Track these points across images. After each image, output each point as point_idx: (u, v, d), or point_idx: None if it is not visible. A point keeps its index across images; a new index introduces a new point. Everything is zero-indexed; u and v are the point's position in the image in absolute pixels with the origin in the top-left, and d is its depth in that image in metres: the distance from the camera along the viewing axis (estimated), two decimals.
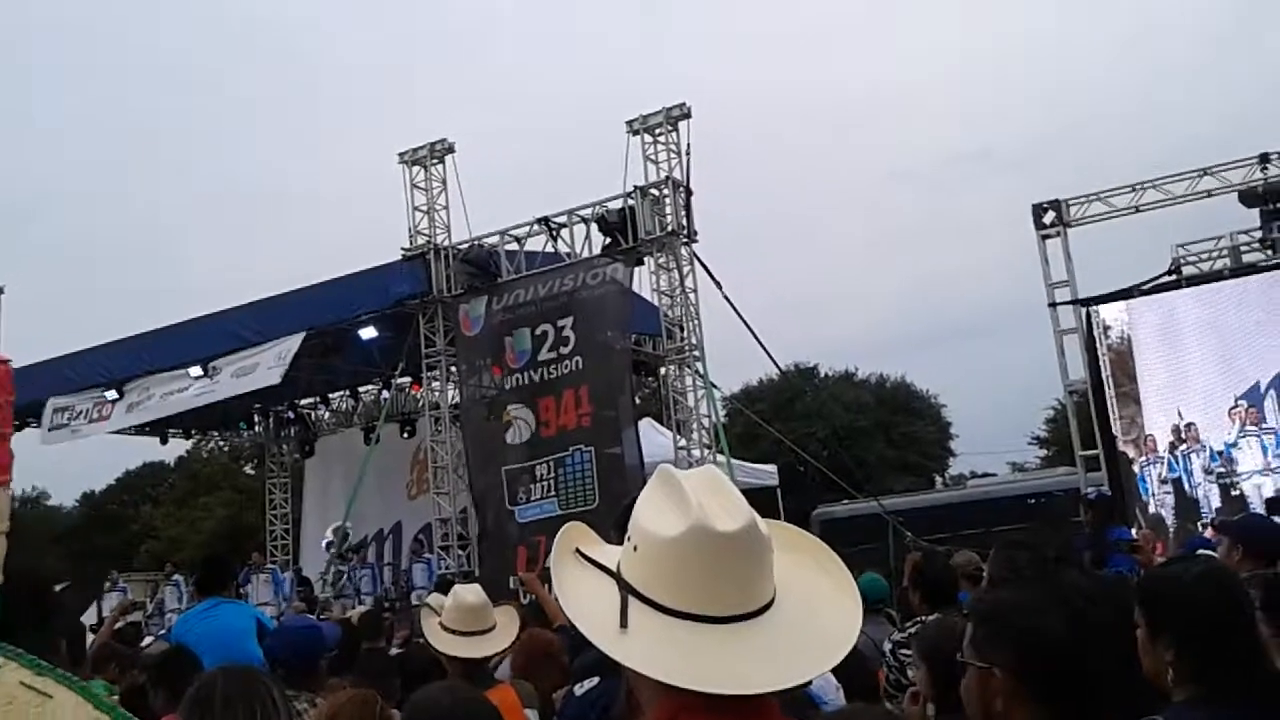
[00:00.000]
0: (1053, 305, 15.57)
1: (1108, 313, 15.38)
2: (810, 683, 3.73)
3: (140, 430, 19.58)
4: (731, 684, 1.32)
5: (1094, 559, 6.47)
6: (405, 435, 19.25)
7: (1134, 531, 10.23)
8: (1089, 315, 15.34)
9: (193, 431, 22.85)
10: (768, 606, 1.40)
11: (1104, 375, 15.13)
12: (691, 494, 1.40)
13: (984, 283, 70.78)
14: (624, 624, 1.37)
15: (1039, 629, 1.87)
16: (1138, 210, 15.62)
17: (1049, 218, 15.66)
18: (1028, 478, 27.85)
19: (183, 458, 40.25)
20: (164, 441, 21.24)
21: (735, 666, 1.33)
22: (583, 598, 1.44)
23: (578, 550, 1.51)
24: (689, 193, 14.12)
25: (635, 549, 1.42)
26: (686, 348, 14.33)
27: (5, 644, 0.77)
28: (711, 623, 1.36)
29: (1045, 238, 15.72)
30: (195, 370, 16.15)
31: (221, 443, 35.28)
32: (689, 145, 14.09)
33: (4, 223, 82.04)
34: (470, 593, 3.93)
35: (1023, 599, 1.97)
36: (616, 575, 1.43)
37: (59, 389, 17.49)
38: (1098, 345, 15.25)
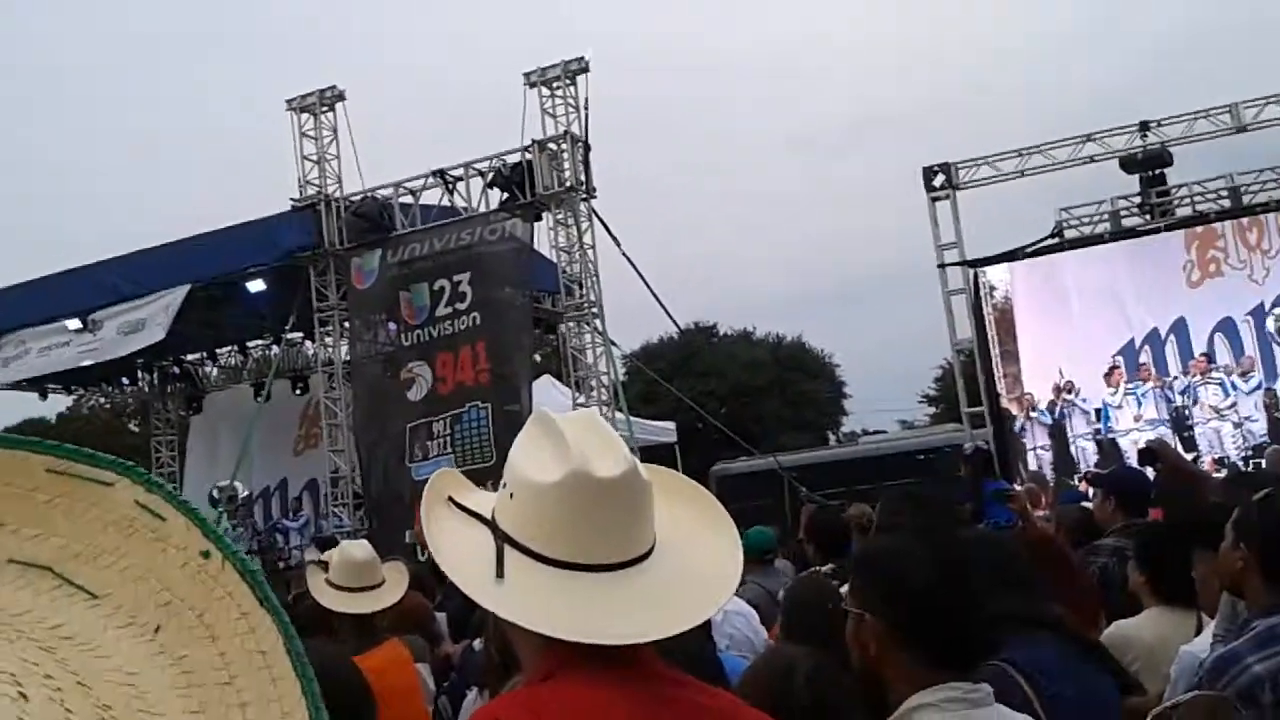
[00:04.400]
0: (941, 266, 15.94)
1: (993, 274, 15.83)
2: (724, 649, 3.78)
3: (17, 385, 18.75)
4: (610, 634, 1.30)
5: (973, 510, 6.68)
6: (297, 392, 18.79)
7: (1016, 486, 10.58)
8: (976, 276, 15.76)
9: (73, 387, 21.97)
10: (648, 554, 1.37)
11: (989, 335, 15.59)
12: (570, 438, 1.36)
13: (878, 245, 71.98)
14: (499, 574, 1.33)
15: (901, 572, 1.94)
16: (1023, 174, 16.05)
17: (939, 180, 15.99)
18: (917, 434, 28.58)
19: (64, 415, 38.75)
20: (44, 397, 20.31)
21: (613, 617, 1.31)
22: (456, 547, 1.40)
23: (450, 498, 1.47)
24: (587, 148, 13.99)
25: (511, 496, 1.38)
26: (585, 305, 14.25)
27: (116, 458, 0.72)
28: (590, 571, 1.33)
29: (935, 200, 16.05)
30: (73, 323, 15.50)
31: (103, 399, 34.03)
32: (587, 100, 13.96)
33: None
34: (357, 548, 3.86)
35: (888, 546, 2.03)
36: (491, 523, 1.39)
37: None
38: (983, 305, 15.69)
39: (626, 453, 1.39)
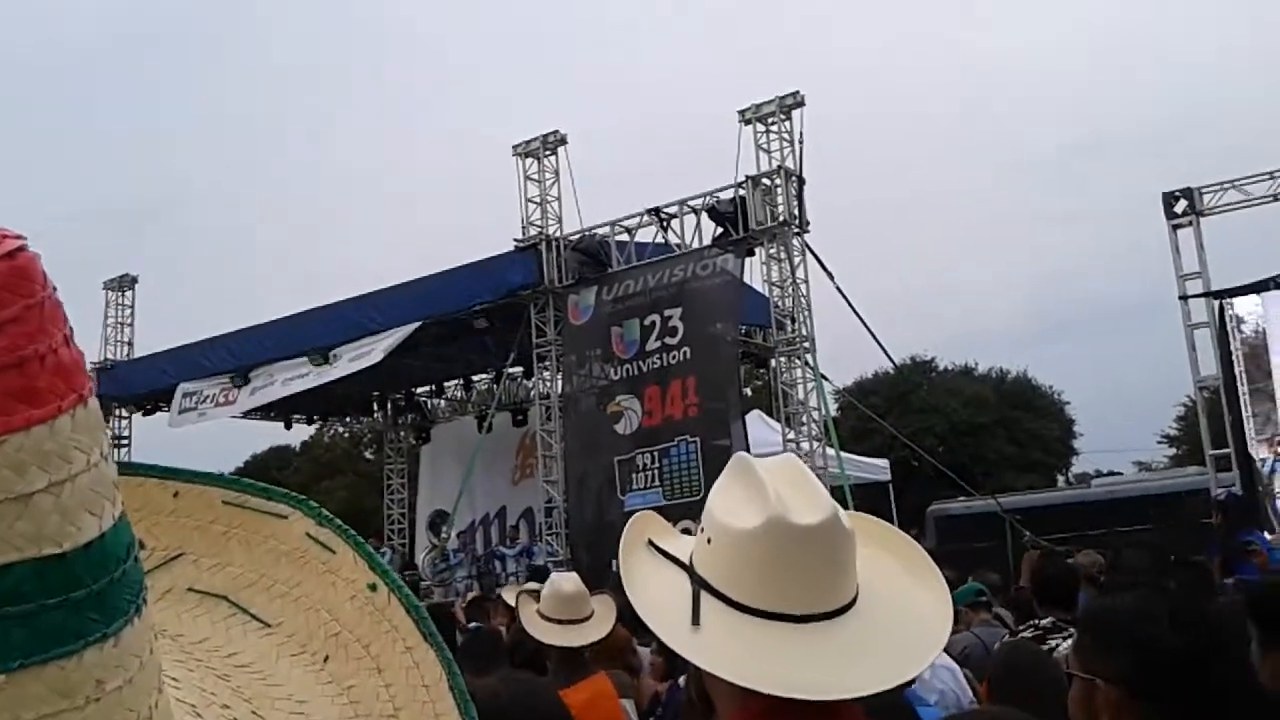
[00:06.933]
0: (1184, 298, 14.92)
1: (1242, 305, 14.71)
2: (911, 683, 3.63)
3: (265, 415, 20.23)
4: (811, 689, 1.24)
5: (1223, 564, 6.13)
6: (517, 424, 19.48)
7: (1267, 535, 9.71)
8: (1222, 308, 14.67)
9: (314, 417, 23.52)
10: (850, 605, 1.32)
11: (1237, 370, 14.49)
12: (769, 484, 1.33)
13: (1110, 275, 68.31)
14: (695, 621, 1.31)
15: (1150, 639, 1.76)
16: (1277, 199, 14.84)
17: (1180, 206, 15.01)
18: (1155, 477, 26.73)
19: (306, 443, 41.49)
20: (288, 426, 21.83)
21: (815, 670, 1.26)
22: (651, 590, 1.39)
23: (650, 541, 1.46)
24: (801, 182, 13.91)
25: (709, 541, 1.36)
26: (797, 339, 14.12)
27: (288, 491, 0.77)
28: (790, 622, 1.28)
29: (1176, 227, 15.07)
30: (315, 358, 16.62)
31: (342, 428, 36.26)
32: (802, 134, 13.90)
33: (136, 219, 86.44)
34: (567, 581, 3.92)
35: (1132, 606, 1.86)
36: (689, 569, 1.37)
37: (189, 375, 18.21)
38: (1230, 339, 14.59)
39: (828, 499, 1.34)
